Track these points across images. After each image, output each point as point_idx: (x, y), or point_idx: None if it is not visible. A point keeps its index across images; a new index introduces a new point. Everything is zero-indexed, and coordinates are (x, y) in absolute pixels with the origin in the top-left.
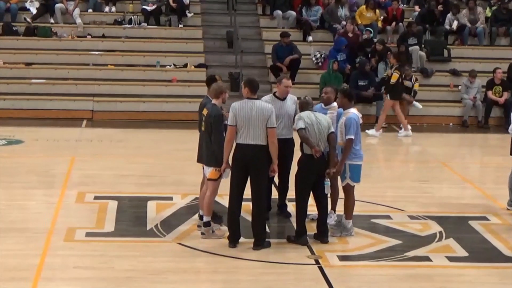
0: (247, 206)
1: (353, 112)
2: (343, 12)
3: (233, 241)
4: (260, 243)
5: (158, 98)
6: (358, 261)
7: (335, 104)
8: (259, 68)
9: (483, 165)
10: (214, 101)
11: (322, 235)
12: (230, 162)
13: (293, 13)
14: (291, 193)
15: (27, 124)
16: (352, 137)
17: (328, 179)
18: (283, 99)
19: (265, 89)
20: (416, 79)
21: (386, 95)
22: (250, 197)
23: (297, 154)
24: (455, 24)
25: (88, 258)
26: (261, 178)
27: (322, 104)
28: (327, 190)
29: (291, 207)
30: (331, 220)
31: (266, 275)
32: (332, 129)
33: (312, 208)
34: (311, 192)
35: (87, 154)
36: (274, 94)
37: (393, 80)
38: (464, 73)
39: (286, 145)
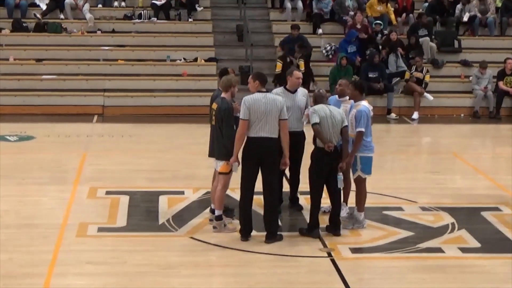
0: (259, 200)
1: (364, 104)
2: (350, 2)
3: (245, 234)
4: (273, 236)
5: (168, 93)
6: (370, 253)
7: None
8: (269, 61)
9: (495, 156)
10: (223, 94)
11: (334, 228)
12: (240, 156)
13: (300, 4)
14: (302, 186)
15: (38, 120)
16: (362, 129)
17: (341, 173)
18: (294, 91)
19: None
20: (427, 71)
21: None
22: (261, 190)
23: (307, 147)
24: (466, 15)
25: (101, 253)
26: (273, 171)
27: (337, 96)
28: (340, 184)
29: (303, 200)
30: (343, 213)
31: (279, 268)
32: (346, 123)
33: (324, 201)
34: (324, 186)
35: (98, 150)
36: (284, 87)
37: (278, 69)
38: (475, 64)
39: (296, 138)
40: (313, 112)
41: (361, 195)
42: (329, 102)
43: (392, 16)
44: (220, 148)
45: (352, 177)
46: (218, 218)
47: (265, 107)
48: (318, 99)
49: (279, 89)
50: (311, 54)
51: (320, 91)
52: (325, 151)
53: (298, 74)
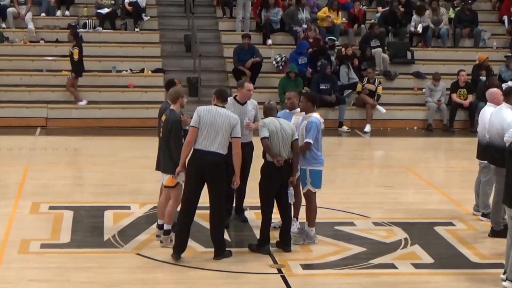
0: (206, 215)
1: (315, 116)
2: (304, 15)
3: (178, 252)
4: (221, 252)
5: (114, 105)
6: (322, 269)
7: (298, 109)
8: (218, 73)
9: (449, 170)
10: (172, 106)
11: (284, 244)
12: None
13: (248, 14)
14: (253, 201)
15: None
16: (311, 141)
17: (292, 188)
18: (243, 103)
19: None
20: (380, 82)
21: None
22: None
23: (256, 159)
24: (420, 27)
25: (44, 271)
26: (220, 187)
27: (287, 110)
28: (291, 199)
29: (253, 215)
30: (293, 228)
31: (228, 285)
32: (296, 136)
33: (274, 216)
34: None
35: (41, 163)
36: (234, 97)
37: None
38: (428, 76)
39: (245, 150)
40: (263, 126)
41: (311, 210)
42: (279, 116)
43: (338, 20)
44: (166, 161)
45: (301, 191)
46: (166, 232)
47: (216, 120)
48: (267, 112)
49: (229, 100)
50: (80, 45)
51: (270, 103)
52: (275, 165)
53: (249, 86)
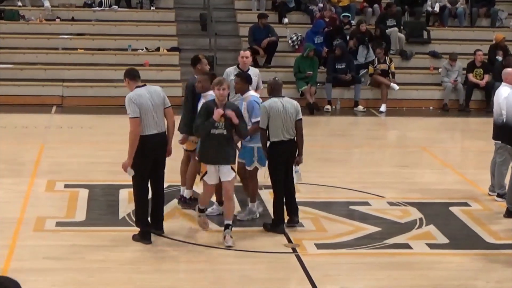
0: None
1: (252, 94)
2: None
3: (150, 237)
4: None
5: None
6: (336, 249)
7: (211, 92)
8: (233, 51)
9: (464, 150)
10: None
11: (292, 214)
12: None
13: None
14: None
15: None
16: (259, 119)
17: (298, 167)
18: (245, 71)
19: None
20: (391, 60)
21: None
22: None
23: None
24: (437, 6)
25: (59, 248)
26: (163, 167)
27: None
28: (297, 179)
29: (266, 194)
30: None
31: (242, 264)
32: (300, 116)
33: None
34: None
35: (56, 141)
36: (237, 66)
37: None
38: (444, 55)
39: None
40: (265, 112)
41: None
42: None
43: None
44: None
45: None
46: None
47: (152, 101)
48: (274, 89)
49: (232, 68)
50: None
51: (276, 80)
52: (280, 145)
53: (243, 53)
